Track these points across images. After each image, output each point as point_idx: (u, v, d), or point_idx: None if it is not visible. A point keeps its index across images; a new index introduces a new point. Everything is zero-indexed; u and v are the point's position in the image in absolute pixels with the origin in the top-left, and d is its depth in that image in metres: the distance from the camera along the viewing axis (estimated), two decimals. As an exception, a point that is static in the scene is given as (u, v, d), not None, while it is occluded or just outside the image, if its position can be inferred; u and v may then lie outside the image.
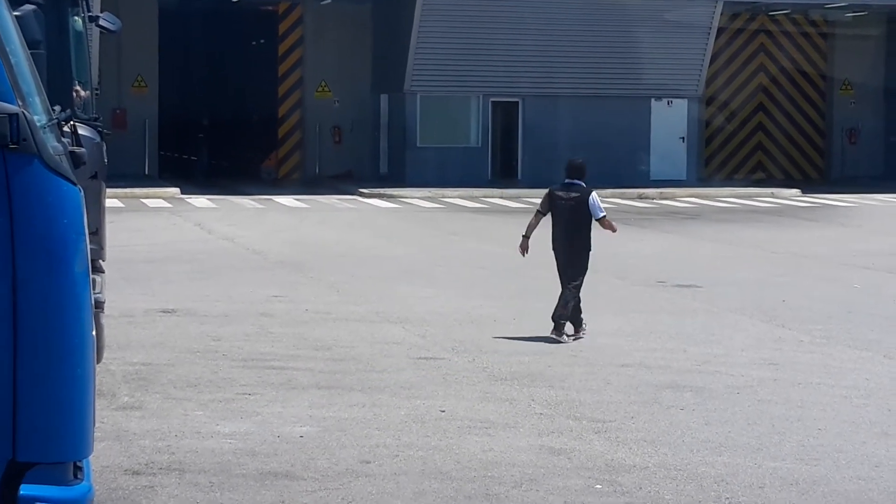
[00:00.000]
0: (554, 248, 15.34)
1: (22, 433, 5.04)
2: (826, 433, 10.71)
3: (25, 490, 5.04)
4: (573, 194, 15.17)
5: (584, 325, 15.10)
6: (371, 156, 43.33)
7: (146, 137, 42.12)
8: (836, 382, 12.76)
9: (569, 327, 14.99)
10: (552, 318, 14.90)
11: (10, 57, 4.99)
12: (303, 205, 34.54)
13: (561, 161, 40.59)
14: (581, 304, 15.09)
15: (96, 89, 14.59)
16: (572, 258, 15.14)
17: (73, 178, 5.21)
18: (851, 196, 38.90)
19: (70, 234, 5.13)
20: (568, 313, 14.91)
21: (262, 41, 50.24)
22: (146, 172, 41.41)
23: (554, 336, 14.75)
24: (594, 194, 15.21)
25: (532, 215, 15.70)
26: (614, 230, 15.47)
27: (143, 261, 21.58)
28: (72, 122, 7.60)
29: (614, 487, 9.14)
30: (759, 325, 16.30)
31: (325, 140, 44.36)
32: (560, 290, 15.12)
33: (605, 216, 15.17)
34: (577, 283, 15.05)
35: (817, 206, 36.25)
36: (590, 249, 15.25)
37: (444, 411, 11.23)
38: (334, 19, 43.96)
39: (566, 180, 15.40)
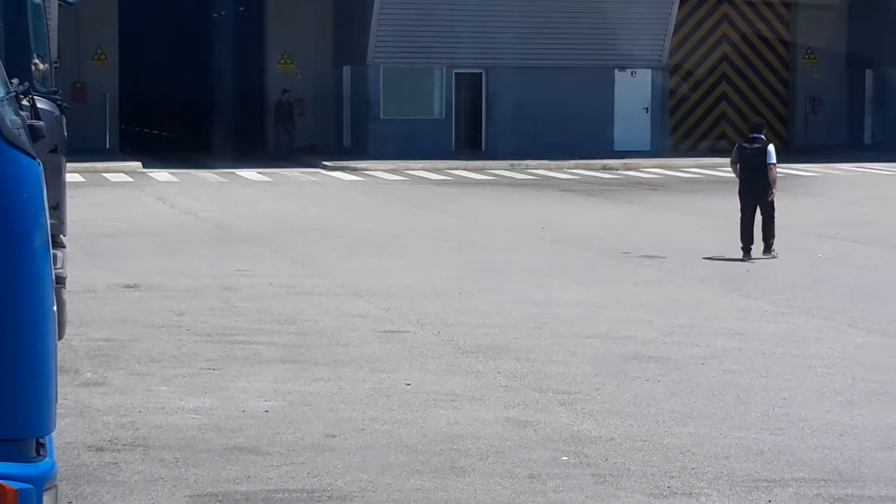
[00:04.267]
0: (740, 189, 19.94)
1: (-18, 410, 4.97)
2: (791, 402, 10.74)
3: (-14, 467, 4.97)
4: (756, 145, 19.81)
5: (774, 250, 19.76)
6: (334, 128, 43.21)
7: (107, 111, 41.84)
8: (800, 352, 12.79)
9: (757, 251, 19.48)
10: (763, 239, 19.66)
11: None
12: (266, 178, 34.41)
13: (525, 133, 40.98)
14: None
15: (55, 62, 14.44)
16: (756, 191, 19.62)
17: (31, 151, 5.12)
18: (815, 165, 39.01)
19: (29, 208, 5.05)
20: (771, 236, 19.70)
21: (222, 13, 49.99)
22: (107, 146, 41.16)
23: (763, 254, 19.63)
24: (771, 146, 19.84)
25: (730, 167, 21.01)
26: (774, 181, 19.65)
27: (104, 235, 21.45)
28: (30, 96, 7.51)
29: (580, 459, 9.13)
30: (723, 295, 16.33)
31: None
32: (740, 220, 19.76)
33: (773, 164, 19.61)
34: (770, 207, 19.60)
35: (781, 176, 36.19)
36: (768, 185, 19.56)
37: (409, 384, 11.20)
38: (296, -8, 43.76)
39: (751, 135, 20.13)
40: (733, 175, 20.64)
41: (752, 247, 19.65)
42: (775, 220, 19.81)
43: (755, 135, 20.03)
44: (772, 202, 19.63)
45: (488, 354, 12.49)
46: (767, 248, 19.75)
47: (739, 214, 19.91)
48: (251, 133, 45.93)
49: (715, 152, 44.97)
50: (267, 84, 44.89)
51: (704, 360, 12.31)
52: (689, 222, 24.98)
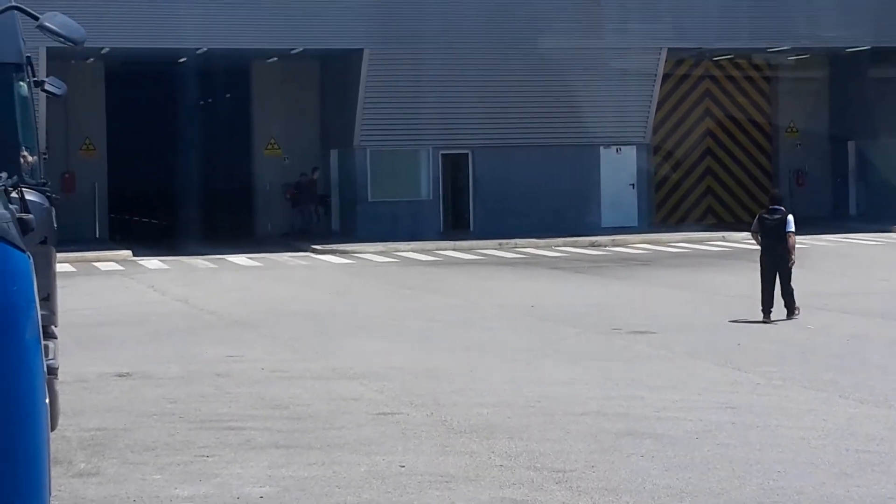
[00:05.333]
0: (761, 257, 21.31)
1: (-25, 508, 4.97)
2: (786, 475, 10.73)
3: (-20, 562, 4.97)
4: (776, 216, 21.19)
5: (797, 309, 21.05)
6: (323, 212, 43.34)
7: (96, 200, 41.95)
8: (793, 424, 12.79)
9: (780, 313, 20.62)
10: (785, 305, 20.90)
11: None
12: (256, 263, 34.45)
13: (512, 212, 41.11)
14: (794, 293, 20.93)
15: (44, 153, 14.50)
16: (776, 260, 21.00)
17: (21, 245, 5.15)
18: (801, 237, 39.00)
19: (20, 301, 5.07)
20: (791, 299, 20.95)
21: (209, 100, 50.27)
22: (97, 235, 41.22)
23: (787, 318, 20.82)
24: (790, 216, 21.12)
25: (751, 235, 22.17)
26: (793, 248, 20.99)
27: (96, 325, 21.43)
28: (19, 188, 7.55)
29: (577, 537, 9.10)
30: (714, 368, 16.33)
31: (276, 197, 44.33)
32: (760, 286, 20.98)
33: (792, 232, 20.99)
34: (788, 272, 20.91)
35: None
36: (787, 253, 20.94)
37: (403, 466, 11.17)
38: (282, 77, 44.04)
39: (770, 206, 21.48)
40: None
41: (772, 310, 20.78)
42: (792, 284, 21.12)
43: (775, 206, 21.34)
44: (790, 269, 20.91)
45: (482, 434, 12.47)
46: (790, 313, 21.00)
47: (760, 281, 21.17)
48: (240, 219, 46.04)
49: (704, 227, 45.17)
50: (254, 169, 45.06)
51: (698, 435, 12.30)
52: (678, 296, 25.03)
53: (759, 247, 21.55)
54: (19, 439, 5.12)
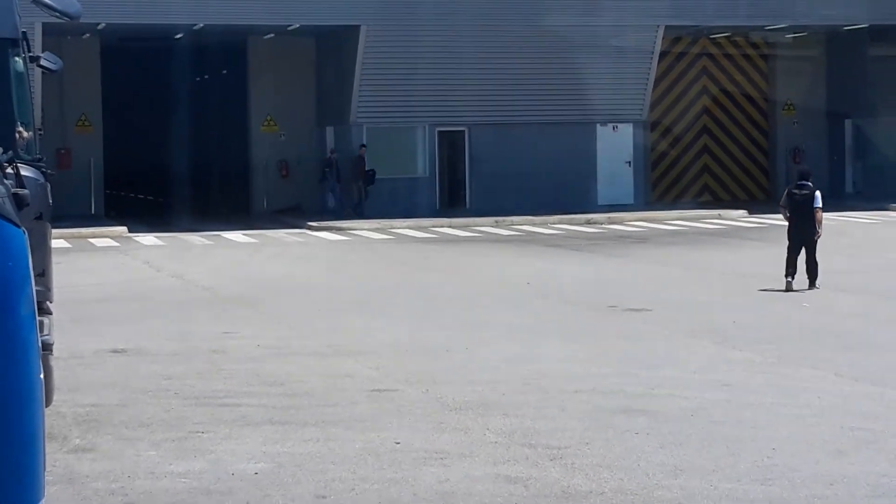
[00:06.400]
0: (789, 230, 22.23)
1: (-30, 480, 4.97)
2: (780, 453, 10.74)
3: (-25, 537, 4.98)
4: (804, 191, 22.10)
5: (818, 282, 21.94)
6: (319, 189, 43.29)
7: (91, 177, 41.91)
8: (788, 402, 12.80)
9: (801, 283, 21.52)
10: (808, 275, 21.84)
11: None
12: (252, 240, 34.43)
13: (509, 189, 41.08)
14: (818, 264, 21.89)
15: (39, 130, 14.49)
16: (804, 233, 21.89)
17: (16, 220, 5.13)
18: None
19: (15, 277, 5.06)
20: (816, 270, 21.95)
21: (206, 77, 50.17)
22: (92, 212, 41.19)
23: (808, 288, 21.71)
24: (818, 192, 22.10)
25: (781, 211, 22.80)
26: (820, 222, 21.96)
27: (91, 301, 21.43)
28: (14, 164, 7.54)
29: (572, 514, 9.11)
30: (710, 346, 16.35)
31: (271, 174, 44.30)
32: (786, 256, 21.97)
33: (819, 208, 21.95)
34: (814, 245, 21.91)
35: (764, 227, 36.46)
36: (815, 227, 21.88)
37: (399, 443, 11.17)
38: (278, 53, 43.96)
39: (798, 182, 22.36)
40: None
41: (794, 277, 21.79)
42: (816, 257, 22.07)
43: (803, 182, 22.32)
44: (815, 241, 21.99)
45: (477, 411, 12.48)
46: (812, 283, 21.91)
47: (786, 251, 22.14)
48: (236, 195, 46.01)
49: (700, 205, 45.17)
50: (251, 146, 45.00)
51: (693, 412, 12.31)
52: (674, 274, 25.03)
53: (786, 222, 22.57)
54: (14, 415, 5.12)
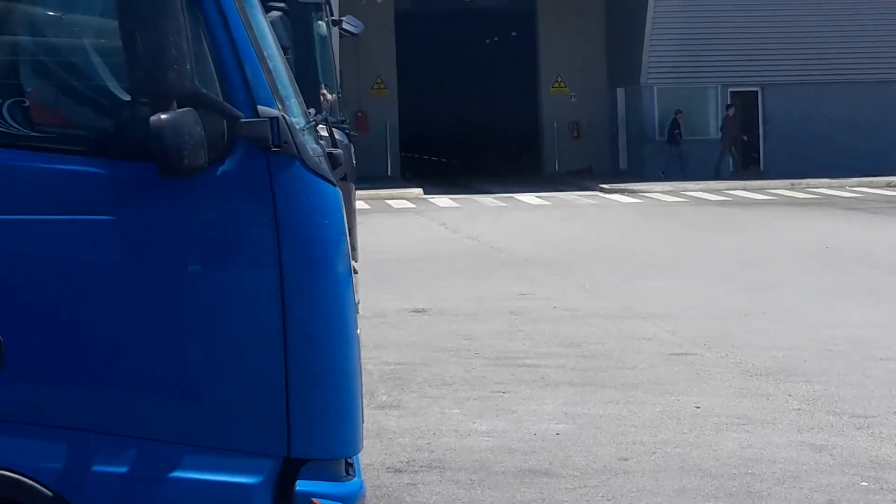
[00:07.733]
0: None
1: (296, 431, 5.10)
2: None
3: (301, 486, 5.11)
4: None
5: None
6: (610, 151, 43.14)
7: (387, 139, 42.72)
8: None
9: None
10: None
11: (269, 61, 5.02)
12: (544, 202, 34.55)
13: (804, 151, 40.05)
14: None
15: (339, 92, 14.81)
16: None
17: (332, 179, 5.22)
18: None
19: (332, 234, 5.15)
20: None
21: (495, 39, 50.50)
22: (388, 173, 42.02)
23: None
24: None
25: None
26: None
27: (391, 261, 21.84)
28: (327, 124, 7.70)
29: (881, 485, 8.85)
30: None
31: (562, 136, 44.33)
32: None
33: None
34: None
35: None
36: None
37: (699, 407, 11.05)
38: (568, 14, 43.89)
39: None
40: None
41: None
42: None
43: None
44: None
45: (778, 377, 12.24)
46: None
47: None
48: (527, 157, 46.25)
49: None
50: (541, 108, 45.13)
51: None
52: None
53: None
54: (336, 368, 5.23)
